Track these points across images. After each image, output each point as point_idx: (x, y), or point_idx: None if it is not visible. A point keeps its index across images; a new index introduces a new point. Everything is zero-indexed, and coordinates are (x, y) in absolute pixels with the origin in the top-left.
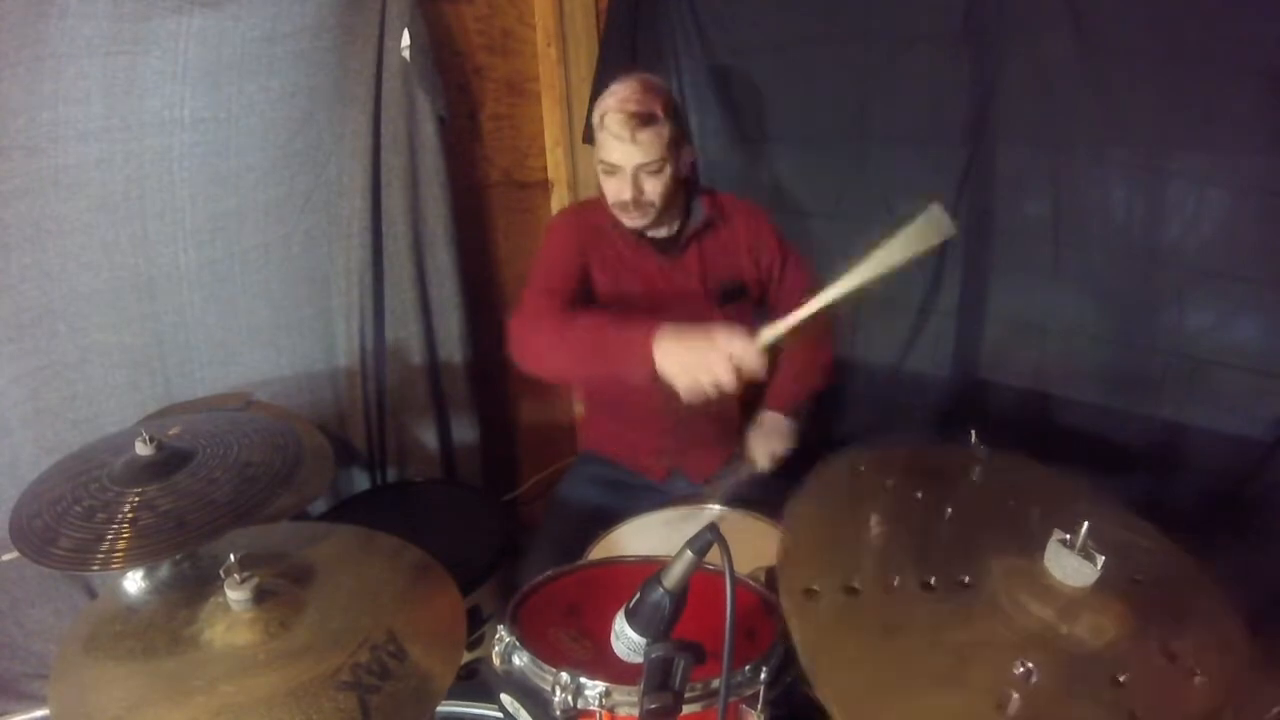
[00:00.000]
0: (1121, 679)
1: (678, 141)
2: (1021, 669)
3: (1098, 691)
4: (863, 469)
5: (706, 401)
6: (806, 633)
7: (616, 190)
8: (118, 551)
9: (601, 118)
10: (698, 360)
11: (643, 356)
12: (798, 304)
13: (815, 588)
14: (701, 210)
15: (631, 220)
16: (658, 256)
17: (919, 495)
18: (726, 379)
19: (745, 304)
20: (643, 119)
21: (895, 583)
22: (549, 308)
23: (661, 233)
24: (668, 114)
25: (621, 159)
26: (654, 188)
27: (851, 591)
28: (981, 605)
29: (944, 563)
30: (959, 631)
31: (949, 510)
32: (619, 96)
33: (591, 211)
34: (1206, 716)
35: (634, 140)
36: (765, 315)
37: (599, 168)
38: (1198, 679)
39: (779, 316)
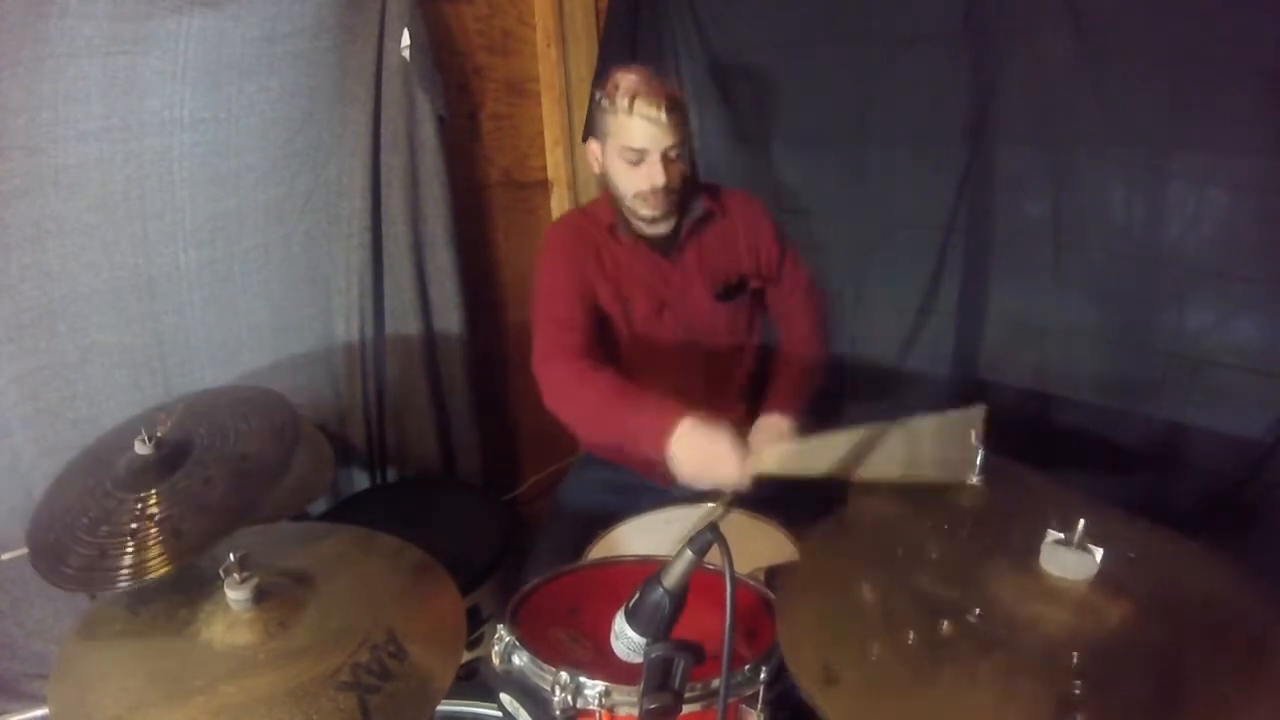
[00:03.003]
0: (1163, 643)
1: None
2: (1075, 660)
3: (1149, 661)
4: (839, 543)
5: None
6: (840, 711)
7: (647, 176)
8: (124, 568)
9: (629, 101)
10: (710, 460)
11: (659, 438)
12: (798, 304)
13: (832, 665)
14: (699, 205)
15: (652, 209)
16: (656, 257)
17: (899, 552)
18: (730, 481)
19: (745, 298)
20: (671, 101)
21: (910, 638)
22: (562, 345)
23: (661, 230)
24: (683, 99)
25: (650, 142)
26: (676, 173)
27: (870, 659)
28: (1001, 630)
29: (949, 605)
30: (992, 660)
31: (933, 556)
32: (640, 78)
33: (586, 220)
34: (1263, 644)
35: (666, 122)
36: (764, 313)
37: (621, 156)
38: (1228, 611)
39: (778, 317)
